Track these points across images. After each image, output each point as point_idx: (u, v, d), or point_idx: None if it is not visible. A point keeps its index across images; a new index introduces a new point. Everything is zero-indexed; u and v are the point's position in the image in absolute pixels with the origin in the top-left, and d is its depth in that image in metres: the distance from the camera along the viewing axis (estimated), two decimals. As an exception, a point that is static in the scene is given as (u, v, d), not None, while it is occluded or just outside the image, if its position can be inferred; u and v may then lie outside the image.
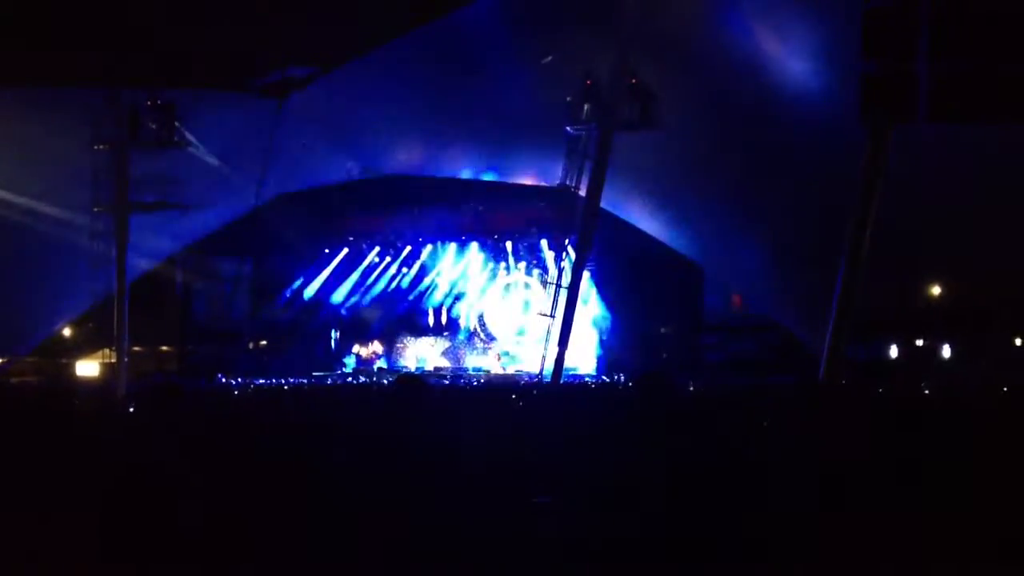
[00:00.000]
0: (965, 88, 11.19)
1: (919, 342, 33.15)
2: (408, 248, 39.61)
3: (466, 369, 37.86)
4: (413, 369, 37.04)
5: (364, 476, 5.58)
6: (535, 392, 21.28)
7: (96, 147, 26.62)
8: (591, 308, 35.73)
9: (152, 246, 31.41)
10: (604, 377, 32.69)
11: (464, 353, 39.35)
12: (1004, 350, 28.41)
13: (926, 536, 5.45)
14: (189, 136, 26.91)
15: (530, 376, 31.02)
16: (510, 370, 36.44)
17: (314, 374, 35.69)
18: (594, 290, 35.83)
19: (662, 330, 37.07)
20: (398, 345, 40.08)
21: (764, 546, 5.47)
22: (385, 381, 27.79)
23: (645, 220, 31.81)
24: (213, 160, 28.47)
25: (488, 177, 34.12)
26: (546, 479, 5.95)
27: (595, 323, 36.22)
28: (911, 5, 11.05)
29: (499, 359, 37.64)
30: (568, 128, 25.62)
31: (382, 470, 5.49)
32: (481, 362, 38.52)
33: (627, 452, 5.79)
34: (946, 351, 32.49)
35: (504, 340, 38.75)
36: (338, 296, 40.12)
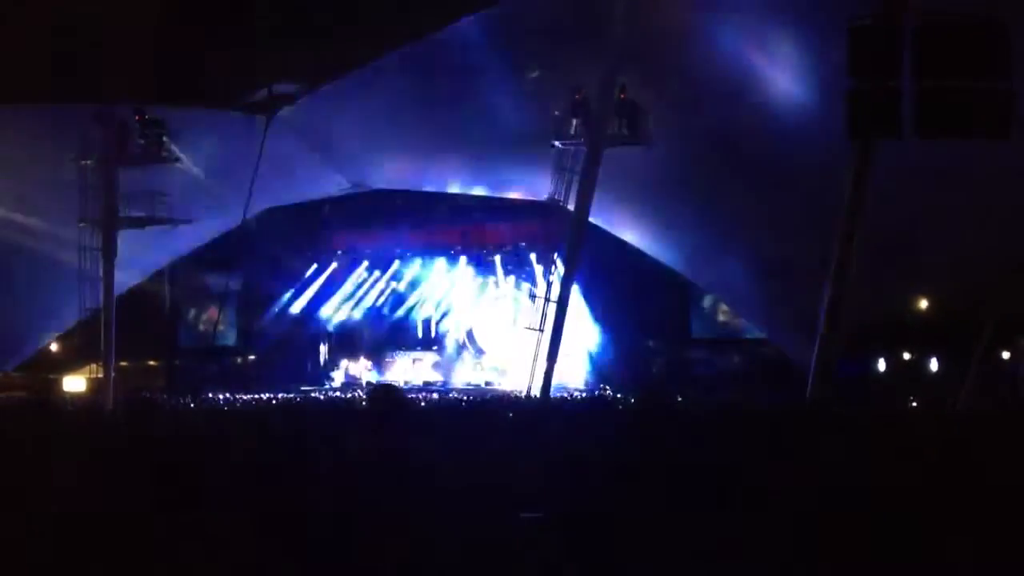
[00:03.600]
0: (949, 104, 11.26)
1: (907, 355, 33.22)
2: (397, 262, 39.61)
3: (451, 384, 37.78)
4: (401, 384, 36.72)
5: (343, 491, 5.51)
6: (523, 407, 21.24)
7: (84, 162, 26.60)
8: (580, 322, 35.71)
9: (140, 261, 31.35)
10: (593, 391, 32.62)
11: (453, 368, 39.30)
12: (992, 362, 28.45)
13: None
14: (177, 151, 26.90)
15: (518, 391, 30.96)
16: (499, 385, 36.37)
17: (302, 388, 35.60)
18: (583, 304, 35.83)
19: (650, 343, 37.10)
20: (387, 360, 40.01)
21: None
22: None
23: (634, 234, 31.85)
24: (201, 175, 28.47)
25: (477, 191, 34.14)
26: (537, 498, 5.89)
27: (584, 337, 36.21)
28: (896, 23, 11.13)
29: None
30: (556, 143, 25.65)
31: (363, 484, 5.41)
32: (471, 376, 38.48)
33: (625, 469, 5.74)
34: (934, 364, 32.56)
35: (493, 354, 38.72)
36: (326, 311, 40.05)
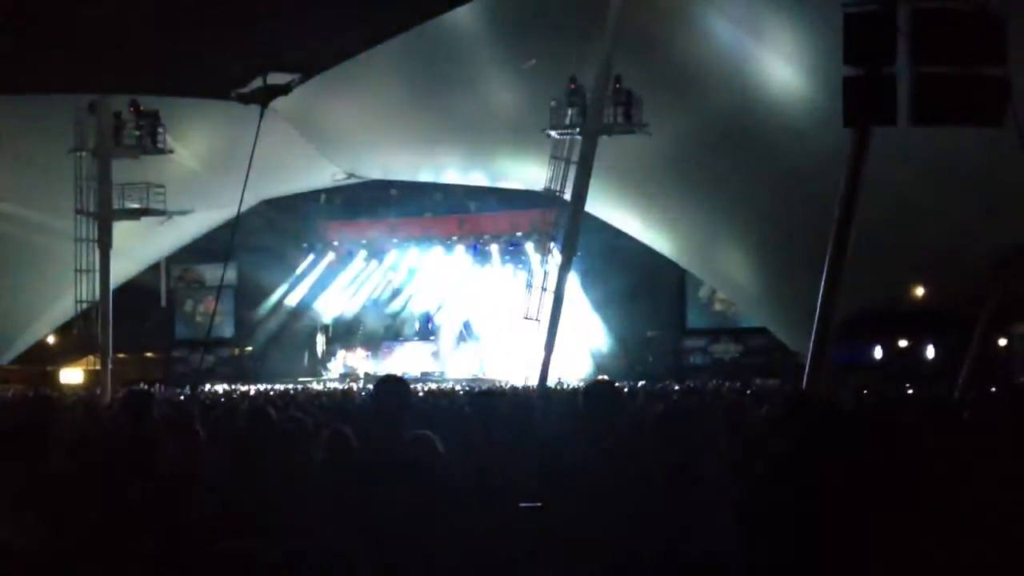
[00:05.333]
0: (945, 91, 11.23)
1: (903, 343, 33.32)
2: (393, 253, 39.64)
3: (448, 375, 37.86)
4: (399, 375, 36.70)
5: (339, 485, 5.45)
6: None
7: (79, 154, 26.51)
8: (577, 312, 35.76)
9: (136, 253, 31.30)
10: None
11: (450, 358, 39.38)
12: (988, 349, 28.48)
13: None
14: (172, 142, 26.81)
15: (515, 381, 30.99)
16: (494, 375, 36.44)
17: (299, 379, 35.66)
18: (580, 294, 35.88)
19: (648, 333, 37.18)
20: (383, 350, 40.10)
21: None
22: (370, 386, 27.70)
23: (630, 224, 31.86)
24: (196, 166, 28.40)
25: (473, 181, 34.14)
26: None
27: (581, 327, 36.27)
28: (892, 9, 11.10)
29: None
30: (552, 132, 25.60)
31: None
32: (468, 367, 38.56)
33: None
34: (930, 351, 32.65)
35: (490, 344, 38.79)
36: (323, 302, 40.09)
